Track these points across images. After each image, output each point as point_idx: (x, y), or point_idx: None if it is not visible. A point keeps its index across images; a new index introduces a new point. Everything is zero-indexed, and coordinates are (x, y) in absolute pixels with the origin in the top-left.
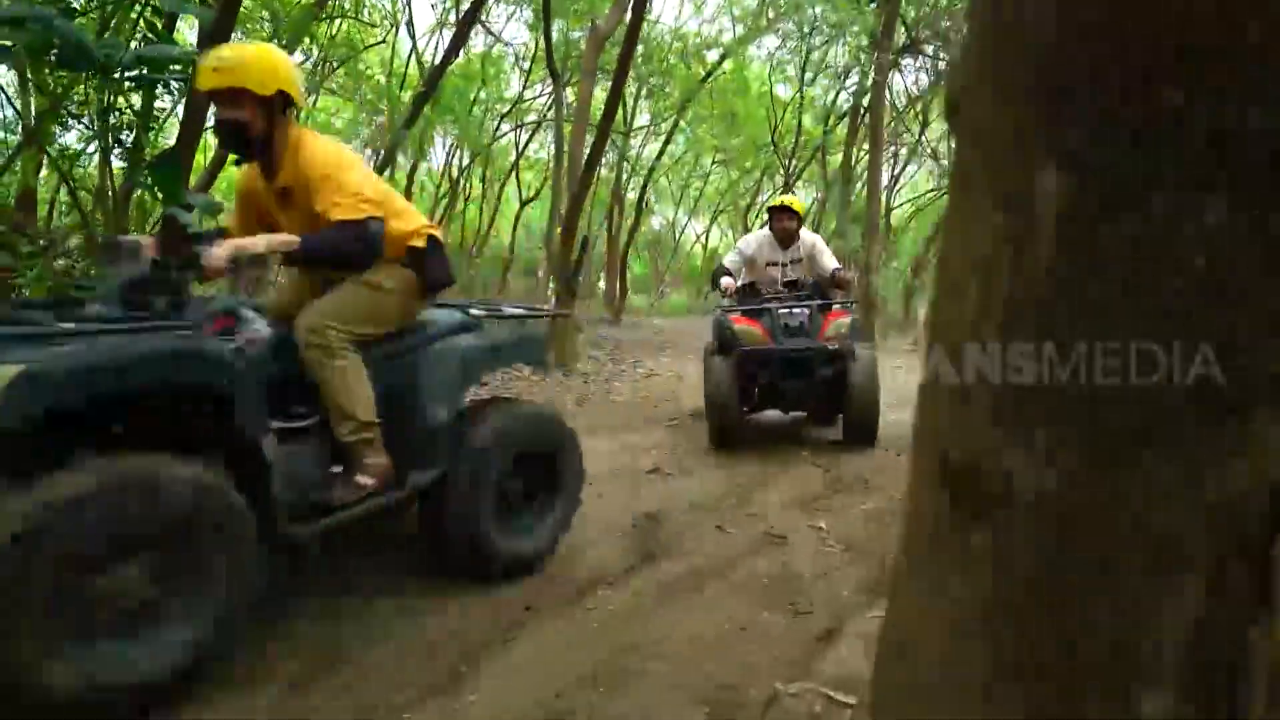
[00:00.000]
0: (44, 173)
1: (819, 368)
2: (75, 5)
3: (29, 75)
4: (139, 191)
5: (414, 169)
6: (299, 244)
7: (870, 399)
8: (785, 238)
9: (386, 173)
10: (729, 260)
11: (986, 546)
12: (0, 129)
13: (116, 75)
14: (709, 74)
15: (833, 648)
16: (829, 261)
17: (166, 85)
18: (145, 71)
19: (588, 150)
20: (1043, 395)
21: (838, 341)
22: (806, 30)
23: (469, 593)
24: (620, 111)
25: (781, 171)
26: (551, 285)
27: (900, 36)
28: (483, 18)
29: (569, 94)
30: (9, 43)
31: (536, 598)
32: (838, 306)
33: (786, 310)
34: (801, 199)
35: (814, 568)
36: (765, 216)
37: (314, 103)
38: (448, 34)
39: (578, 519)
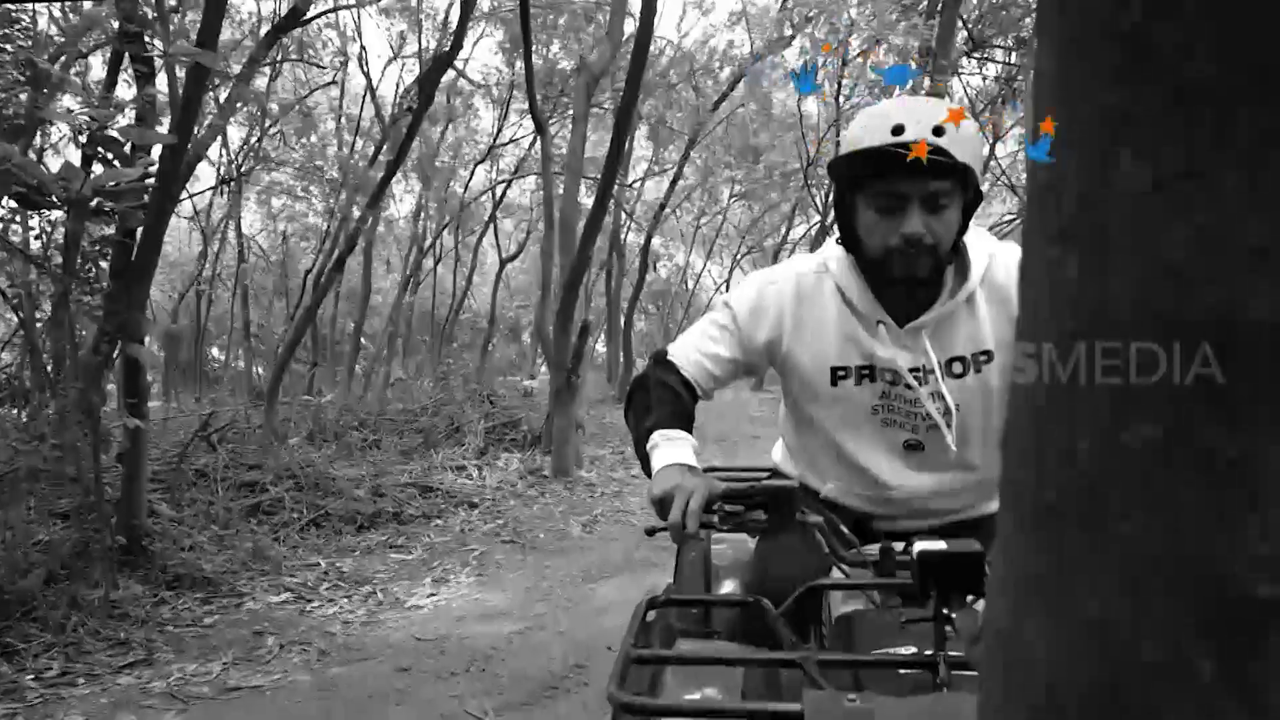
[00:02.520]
0: None
1: None
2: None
3: None
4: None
5: (373, 227)
6: None
7: None
8: (910, 263)
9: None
10: (689, 352)
11: None
12: None
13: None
14: (721, 97)
15: None
16: None
17: (126, 214)
18: (104, 203)
19: (583, 214)
20: None
21: None
22: (840, 38)
23: None
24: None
25: (815, 205)
26: (540, 355)
27: (960, 37)
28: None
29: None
30: None
31: None
32: None
33: None
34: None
35: None
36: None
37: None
38: (394, 63)
39: None
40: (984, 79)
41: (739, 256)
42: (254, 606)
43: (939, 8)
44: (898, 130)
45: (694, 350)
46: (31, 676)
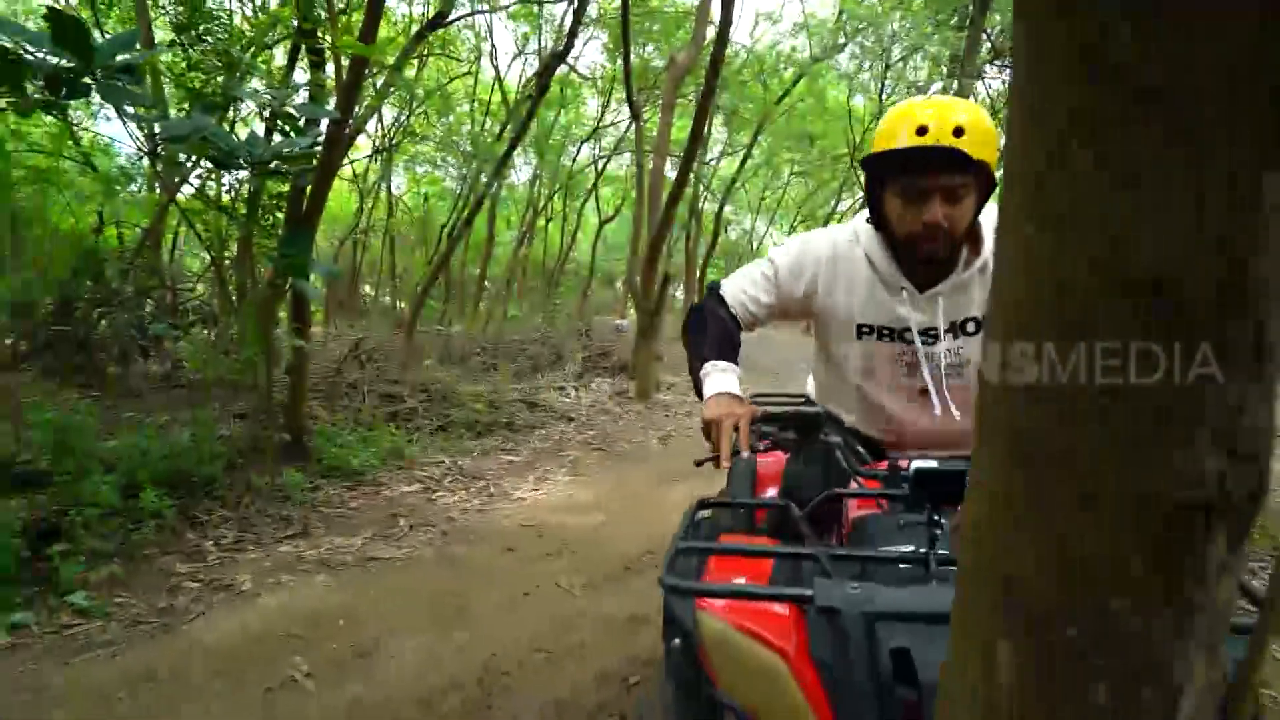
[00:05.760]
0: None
1: None
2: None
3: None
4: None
5: (497, 191)
6: None
7: None
8: (930, 245)
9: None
10: (736, 292)
11: None
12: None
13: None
14: (785, 93)
15: None
16: None
17: (298, 175)
18: (281, 166)
19: (667, 185)
20: None
21: None
22: (884, 46)
23: None
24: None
25: (860, 184)
26: (630, 299)
27: (984, 48)
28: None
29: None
30: (182, 157)
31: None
32: None
33: None
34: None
35: None
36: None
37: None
38: (511, 54)
39: None
40: (1004, 84)
41: (795, 223)
42: (390, 494)
43: (968, 23)
44: (921, 131)
45: (740, 291)
46: (211, 543)
